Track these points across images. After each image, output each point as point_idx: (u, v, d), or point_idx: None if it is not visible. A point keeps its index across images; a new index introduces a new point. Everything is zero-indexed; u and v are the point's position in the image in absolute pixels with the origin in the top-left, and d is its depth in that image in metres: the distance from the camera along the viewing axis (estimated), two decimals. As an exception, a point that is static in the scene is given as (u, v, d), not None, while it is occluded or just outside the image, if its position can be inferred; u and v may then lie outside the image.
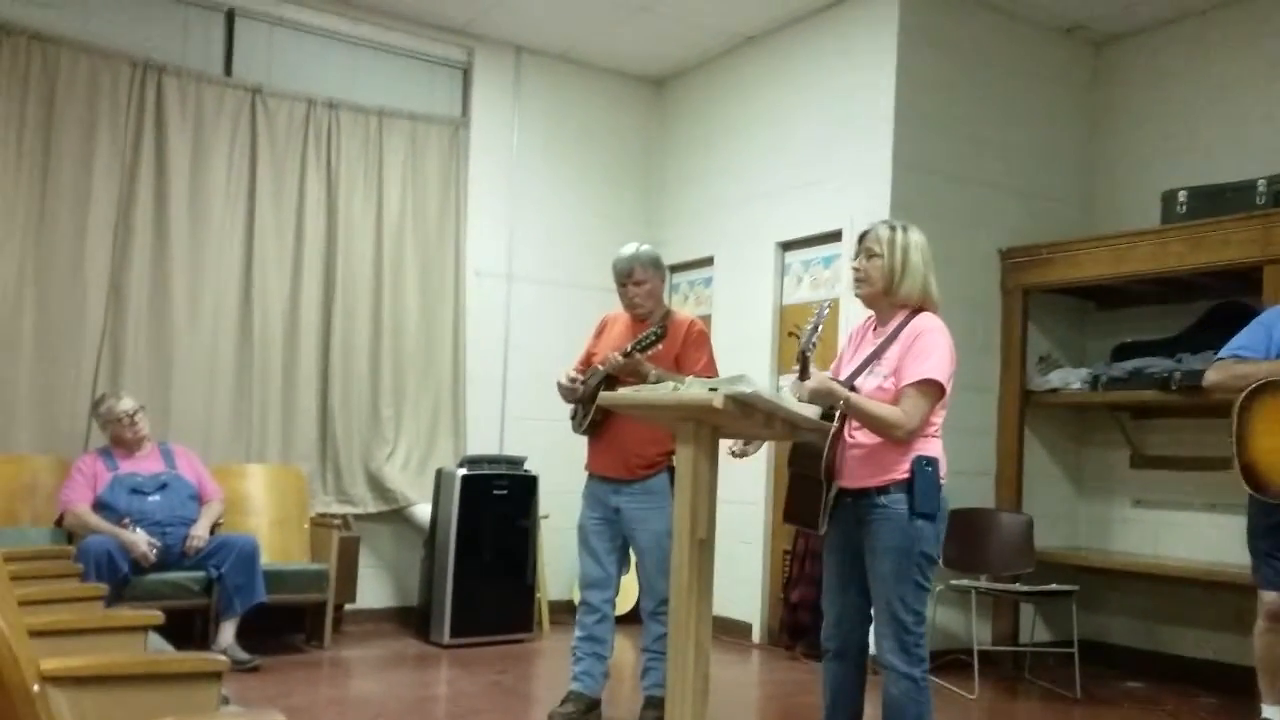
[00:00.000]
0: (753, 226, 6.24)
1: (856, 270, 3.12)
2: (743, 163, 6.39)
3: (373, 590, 6.07)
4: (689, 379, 2.99)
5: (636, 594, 4.29)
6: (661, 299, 4.06)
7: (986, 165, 5.70)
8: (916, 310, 3.06)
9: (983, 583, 5.19)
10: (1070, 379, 5.56)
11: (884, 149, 5.42)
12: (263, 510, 5.57)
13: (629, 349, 3.73)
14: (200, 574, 4.87)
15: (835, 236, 5.67)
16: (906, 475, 2.92)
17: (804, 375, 2.96)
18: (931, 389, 2.94)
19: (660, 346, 3.70)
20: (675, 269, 6.78)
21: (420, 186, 6.26)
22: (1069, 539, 5.89)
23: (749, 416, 2.73)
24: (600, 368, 3.85)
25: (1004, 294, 5.69)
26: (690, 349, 3.90)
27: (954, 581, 5.15)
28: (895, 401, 2.95)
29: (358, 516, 5.98)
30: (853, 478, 3.03)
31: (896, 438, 2.92)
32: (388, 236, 6.14)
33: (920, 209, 5.39)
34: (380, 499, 6.04)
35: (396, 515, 6.09)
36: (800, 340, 3.00)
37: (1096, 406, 5.68)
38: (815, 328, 3.00)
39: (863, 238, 3.14)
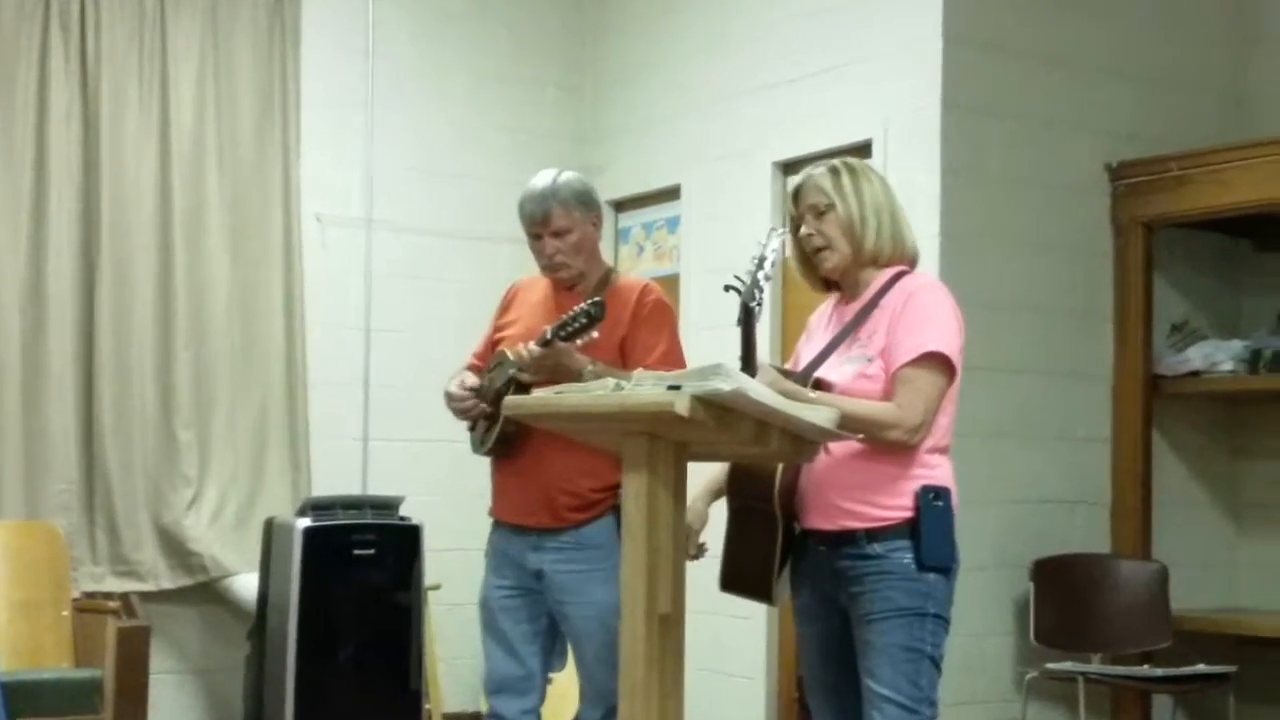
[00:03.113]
0: (738, 139, 6.24)
1: (810, 237, 3.27)
2: (722, 44, 6.35)
3: (173, 707, 6.06)
4: (638, 374, 3.01)
5: (577, 700, 4.29)
6: (598, 253, 4.08)
7: (1086, 39, 5.69)
8: (899, 272, 3.22)
9: (1095, 665, 5.24)
10: (1218, 356, 5.59)
11: (930, 16, 5.42)
12: (-4, 592, 5.58)
13: (548, 335, 3.72)
14: (-98, 694, 4.84)
15: (863, 150, 5.60)
16: (909, 514, 3.05)
17: (747, 357, 3.00)
18: (938, 367, 3.06)
19: (596, 333, 3.70)
20: (621, 206, 6.79)
21: (227, 91, 6.26)
22: (1223, 596, 5.92)
23: (730, 427, 2.75)
24: (509, 354, 3.86)
25: (1116, 231, 5.72)
26: (643, 329, 3.91)
27: (1052, 665, 5.20)
28: (888, 395, 3.06)
29: (146, 596, 5.94)
30: (825, 515, 3.12)
31: (894, 440, 3.03)
32: (178, 167, 6.13)
33: (987, 106, 5.43)
34: (180, 569, 6.05)
35: (206, 592, 6.12)
36: (741, 290, 3.04)
37: (1258, 396, 5.74)
38: (760, 264, 3.06)
39: (797, 196, 3.31)
